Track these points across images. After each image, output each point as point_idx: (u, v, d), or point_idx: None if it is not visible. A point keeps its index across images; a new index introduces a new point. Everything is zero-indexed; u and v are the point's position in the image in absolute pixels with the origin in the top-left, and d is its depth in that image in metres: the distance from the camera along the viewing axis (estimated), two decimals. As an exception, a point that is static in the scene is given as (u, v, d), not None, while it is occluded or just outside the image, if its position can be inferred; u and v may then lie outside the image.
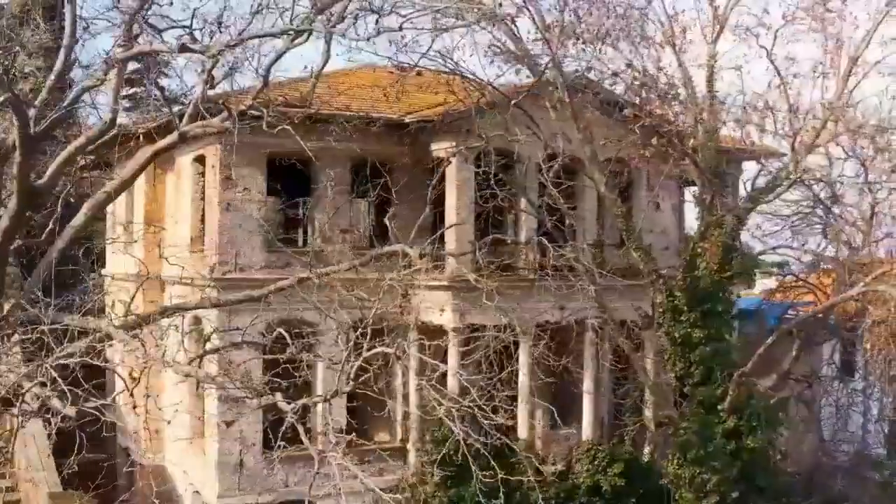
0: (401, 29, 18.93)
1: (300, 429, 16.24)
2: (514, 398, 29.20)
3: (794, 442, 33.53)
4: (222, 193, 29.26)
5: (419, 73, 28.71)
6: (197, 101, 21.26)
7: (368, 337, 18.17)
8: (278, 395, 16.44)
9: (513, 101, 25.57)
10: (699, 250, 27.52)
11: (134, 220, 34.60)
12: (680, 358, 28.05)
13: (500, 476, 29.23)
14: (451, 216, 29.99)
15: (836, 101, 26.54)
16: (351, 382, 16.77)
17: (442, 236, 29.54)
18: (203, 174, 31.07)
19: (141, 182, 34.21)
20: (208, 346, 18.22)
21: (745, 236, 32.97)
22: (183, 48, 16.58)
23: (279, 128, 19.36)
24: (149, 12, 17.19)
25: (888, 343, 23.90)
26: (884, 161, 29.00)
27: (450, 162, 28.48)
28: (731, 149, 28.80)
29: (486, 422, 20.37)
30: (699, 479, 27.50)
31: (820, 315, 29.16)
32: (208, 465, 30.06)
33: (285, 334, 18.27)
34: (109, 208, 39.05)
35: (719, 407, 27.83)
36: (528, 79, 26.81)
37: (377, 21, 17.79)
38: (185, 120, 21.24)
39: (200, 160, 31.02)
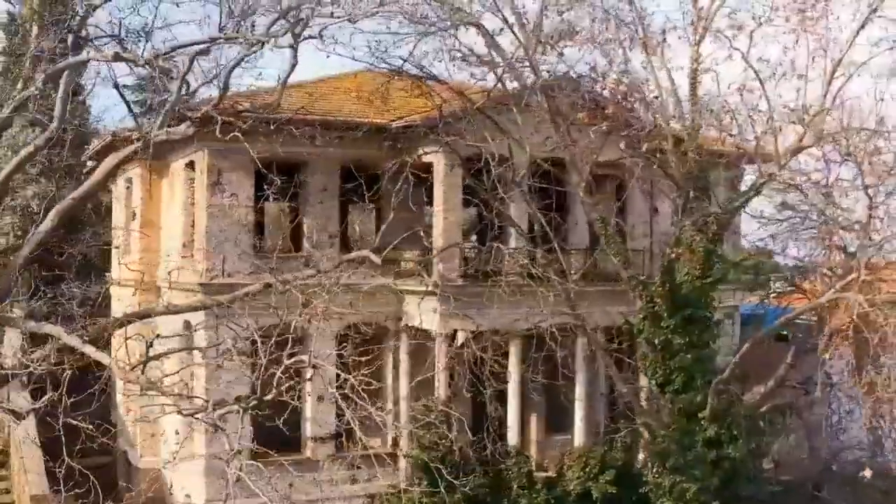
0: (321, 36, 18.90)
1: (226, 439, 16.13)
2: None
3: (798, 450, 32.99)
4: (210, 199, 29.45)
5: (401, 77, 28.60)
6: (169, 108, 21.57)
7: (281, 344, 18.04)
8: (210, 404, 16.44)
9: (475, 106, 25.40)
10: (673, 255, 27.12)
11: (132, 226, 34.97)
12: (660, 365, 27.68)
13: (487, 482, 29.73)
14: (438, 221, 29.97)
15: (820, 104, 26.00)
16: (276, 390, 16.69)
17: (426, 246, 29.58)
18: (194, 180, 31.28)
19: (138, 188, 34.69)
20: (151, 352, 18.25)
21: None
22: (116, 57, 16.72)
23: (231, 134, 19.49)
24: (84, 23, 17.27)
25: (849, 351, 23.31)
26: (878, 163, 28.52)
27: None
28: (717, 151, 28.16)
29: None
30: (679, 488, 27.11)
31: (794, 321, 28.56)
32: (197, 469, 30.19)
33: (231, 340, 18.34)
34: (113, 213, 39.66)
35: (700, 415, 27.38)
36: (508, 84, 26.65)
37: (299, 33, 17.77)
38: (156, 126, 21.49)
39: (191, 166, 31.24)
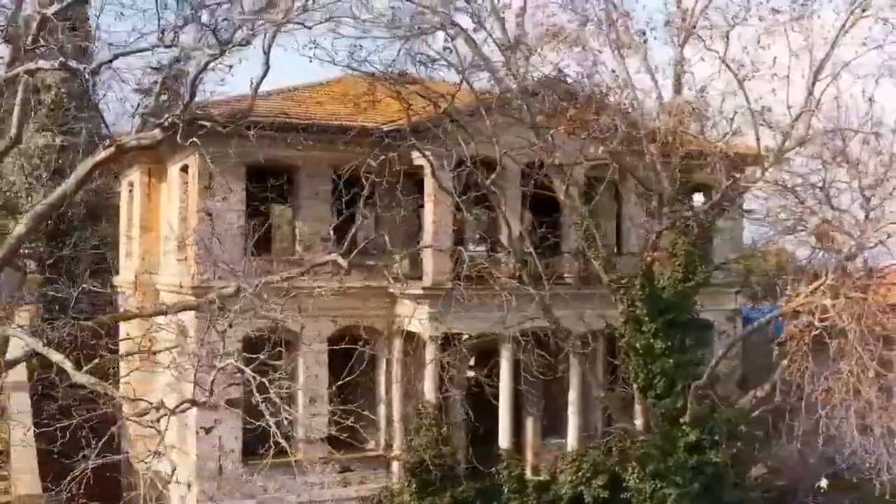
0: (247, 43, 19.00)
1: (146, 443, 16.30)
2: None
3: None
4: (200, 202, 29.70)
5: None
6: (146, 114, 21.86)
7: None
8: (143, 404, 16.65)
9: (441, 110, 25.34)
10: (649, 259, 26.82)
11: (133, 229, 35.46)
12: (642, 369, 27.43)
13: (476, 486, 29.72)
14: (428, 224, 30.03)
15: (803, 105, 25.65)
16: (207, 393, 16.79)
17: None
18: (188, 183, 31.55)
19: (138, 192, 35.14)
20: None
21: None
22: (62, 65, 16.95)
23: (191, 140, 19.65)
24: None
25: (805, 357, 22.84)
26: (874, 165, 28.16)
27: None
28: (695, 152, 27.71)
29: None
30: (660, 494, 26.85)
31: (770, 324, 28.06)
32: (189, 470, 30.43)
33: (183, 341, 18.50)
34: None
35: (681, 420, 27.07)
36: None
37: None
38: (134, 131, 21.81)
39: (186, 170, 31.52)
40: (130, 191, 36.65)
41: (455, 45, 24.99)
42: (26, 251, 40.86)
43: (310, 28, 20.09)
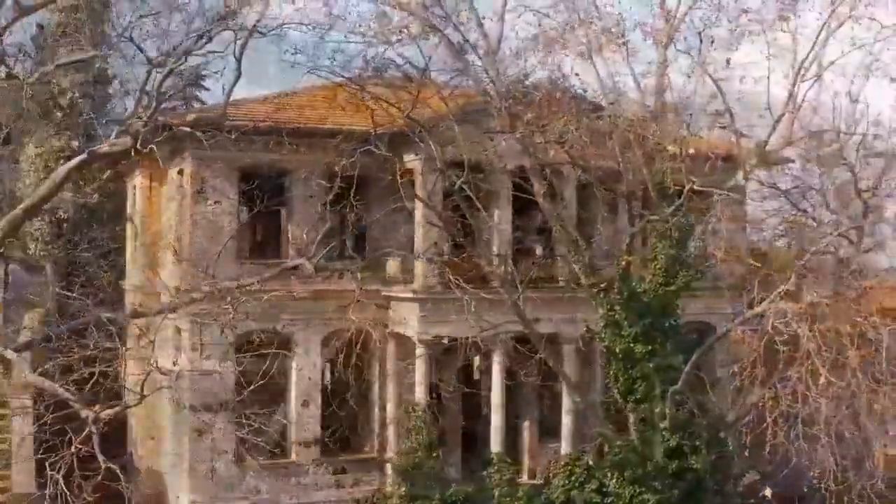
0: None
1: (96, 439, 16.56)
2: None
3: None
4: (193, 206, 30.06)
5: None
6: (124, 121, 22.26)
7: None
8: (77, 405, 16.93)
9: (406, 114, 25.32)
10: (624, 263, 26.51)
11: (136, 232, 35.98)
12: (622, 373, 27.17)
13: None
14: (418, 227, 30.07)
15: (785, 106, 25.27)
16: (138, 396, 17.02)
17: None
18: (183, 187, 31.89)
19: (139, 195, 35.65)
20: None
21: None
22: (9, 76, 17.37)
23: (150, 146, 19.97)
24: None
25: (755, 365, 22.42)
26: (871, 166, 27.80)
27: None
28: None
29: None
30: (639, 499, 26.55)
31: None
32: (183, 471, 30.78)
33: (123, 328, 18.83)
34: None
35: (662, 425, 26.75)
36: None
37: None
38: (113, 135, 22.23)
39: (182, 174, 31.82)
40: (135, 194, 37.16)
41: (421, 47, 25.03)
42: (42, 253, 41.62)
43: (264, 35, 20.33)
